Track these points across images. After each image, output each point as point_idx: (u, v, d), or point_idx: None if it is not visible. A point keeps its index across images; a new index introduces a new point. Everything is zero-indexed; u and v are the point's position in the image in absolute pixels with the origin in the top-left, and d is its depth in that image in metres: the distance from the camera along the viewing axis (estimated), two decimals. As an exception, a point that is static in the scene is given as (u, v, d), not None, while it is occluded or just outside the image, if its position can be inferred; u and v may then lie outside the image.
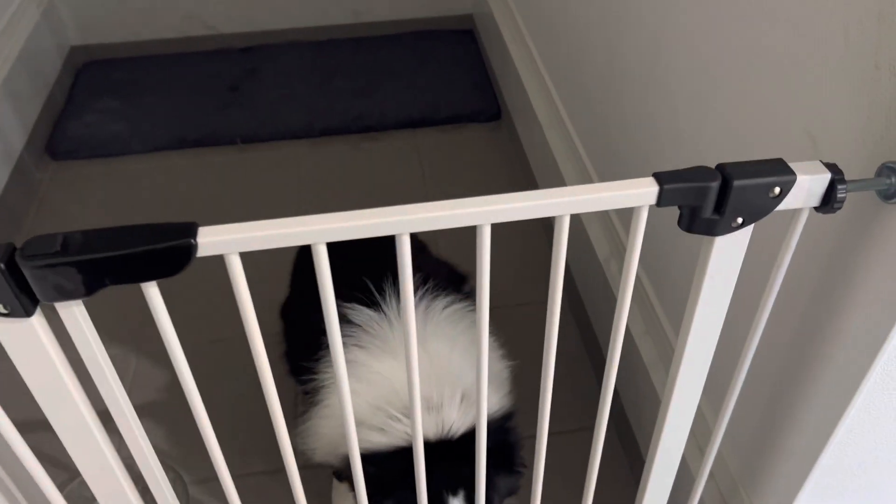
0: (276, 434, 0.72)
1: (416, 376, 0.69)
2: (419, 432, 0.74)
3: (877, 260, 0.68)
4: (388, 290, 1.06)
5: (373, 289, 1.07)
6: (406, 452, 0.86)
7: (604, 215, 1.45)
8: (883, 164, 0.64)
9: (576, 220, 1.50)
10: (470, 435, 0.96)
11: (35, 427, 0.74)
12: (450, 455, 0.95)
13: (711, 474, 1.05)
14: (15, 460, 0.73)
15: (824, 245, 0.74)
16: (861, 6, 0.65)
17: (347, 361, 0.83)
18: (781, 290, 0.71)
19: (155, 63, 2.38)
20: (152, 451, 0.74)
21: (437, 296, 1.09)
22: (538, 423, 0.76)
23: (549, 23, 1.70)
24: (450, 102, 2.21)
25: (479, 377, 0.70)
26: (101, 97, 2.24)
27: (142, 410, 1.18)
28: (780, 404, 0.87)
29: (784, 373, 0.86)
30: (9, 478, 0.94)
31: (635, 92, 1.22)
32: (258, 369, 0.65)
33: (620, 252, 1.36)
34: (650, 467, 0.85)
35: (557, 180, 1.62)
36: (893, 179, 0.62)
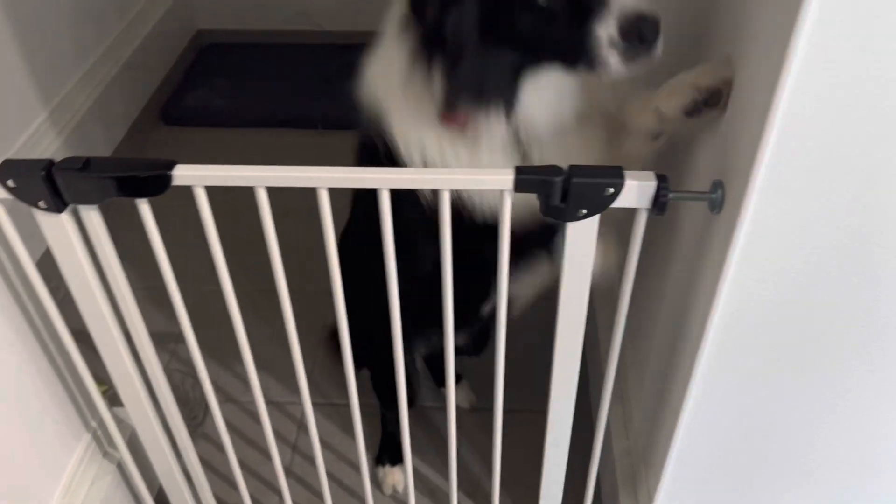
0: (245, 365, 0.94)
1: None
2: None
3: (681, 255, 0.84)
4: None
5: None
6: None
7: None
8: (712, 181, 0.79)
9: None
10: None
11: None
12: None
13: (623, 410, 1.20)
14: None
15: (688, 238, 0.91)
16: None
17: None
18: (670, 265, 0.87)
19: (265, 51, 2.70)
20: (154, 354, 0.98)
21: None
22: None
23: None
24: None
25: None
26: (215, 76, 2.58)
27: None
28: (664, 374, 1.02)
29: (665, 338, 1.02)
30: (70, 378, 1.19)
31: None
32: (221, 285, 0.87)
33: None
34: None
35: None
36: (712, 196, 0.77)
